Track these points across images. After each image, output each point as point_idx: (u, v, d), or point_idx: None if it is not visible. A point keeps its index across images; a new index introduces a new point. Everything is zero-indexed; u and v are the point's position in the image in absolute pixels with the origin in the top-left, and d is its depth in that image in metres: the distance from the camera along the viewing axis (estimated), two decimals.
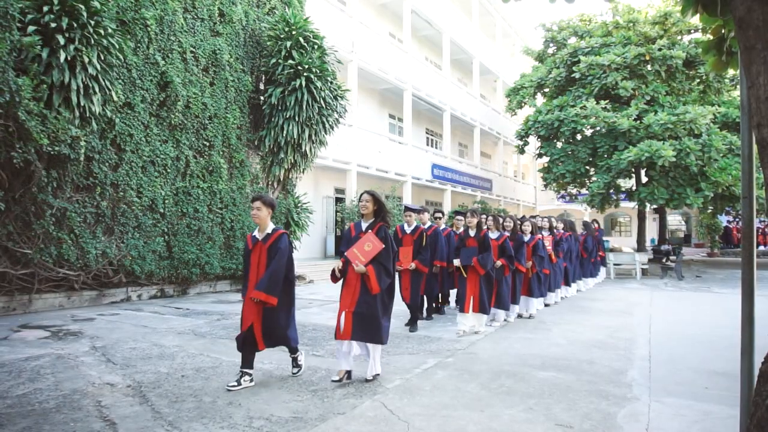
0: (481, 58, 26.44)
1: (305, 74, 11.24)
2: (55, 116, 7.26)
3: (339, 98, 12.39)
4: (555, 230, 10.21)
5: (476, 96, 26.31)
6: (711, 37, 2.82)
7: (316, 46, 11.84)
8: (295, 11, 12.35)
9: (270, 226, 4.49)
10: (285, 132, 11.43)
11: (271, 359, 5.28)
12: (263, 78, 12.24)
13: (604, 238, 16.40)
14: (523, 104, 22.49)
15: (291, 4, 12.90)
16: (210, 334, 6.59)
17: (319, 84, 11.46)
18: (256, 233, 4.52)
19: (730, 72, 19.22)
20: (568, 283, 10.96)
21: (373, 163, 18.15)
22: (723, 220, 30.25)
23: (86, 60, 7.40)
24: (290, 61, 11.26)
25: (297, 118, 11.40)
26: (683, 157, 16.10)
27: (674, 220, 38.06)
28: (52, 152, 7.28)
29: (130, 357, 5.33)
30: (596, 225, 14.49)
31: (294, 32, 11.52)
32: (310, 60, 11.39)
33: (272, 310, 4.35)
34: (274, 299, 4.25)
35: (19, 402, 3.87)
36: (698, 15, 2.77)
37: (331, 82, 12.06)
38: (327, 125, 12.15)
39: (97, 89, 7.72)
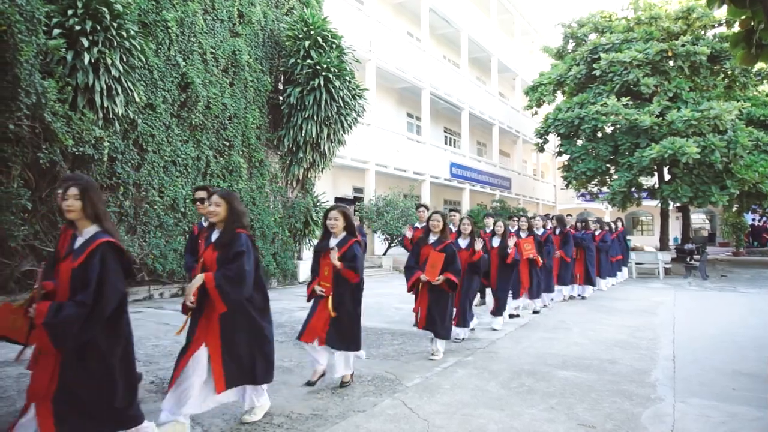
0: (499, 55, 26.23)
1: (324, 74, 11.28)
2: (79, 117, 7.41)
3: (357, 97, 12.41)
4: (536, 230, 9.47)
5: (494, 94, 26.12)
6: (739, 30, 2.75)
7: (334, 46, 11.88)
8: (314, 11, 12.40)
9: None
10: (304, 131, 11.49)
11: (291, 357, 5.32)
12: (282, 78, 12.32)
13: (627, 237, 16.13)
14: (542, 102, 22.26)
15: (309, 4, 12.96)
16: None
17: (337, 83, 11.49)
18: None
19: (757, 66, 18.79)
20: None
21: (392, 162, 18.14)
22: (749, 218, 29.59)
23: (109, 62, 7.53)
24: (309, 61, 11.31)
25: (315, 118, 11.45)
26: (708, 154, 15.74)
27: (698, 218, 37.28)
28: (76, 153, 7.42)
29: (153, 354, 5.41)
30: (620, 224, 14.33)
31: (312, 32, 11.57)
32: (328, 59, 11.43)
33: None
34: None
35: None
36: (725, 7, 2.71)
37: (350, 82, 12.09)
38: (345, 124, 12.19)
39: (119, 91, 7.85)
